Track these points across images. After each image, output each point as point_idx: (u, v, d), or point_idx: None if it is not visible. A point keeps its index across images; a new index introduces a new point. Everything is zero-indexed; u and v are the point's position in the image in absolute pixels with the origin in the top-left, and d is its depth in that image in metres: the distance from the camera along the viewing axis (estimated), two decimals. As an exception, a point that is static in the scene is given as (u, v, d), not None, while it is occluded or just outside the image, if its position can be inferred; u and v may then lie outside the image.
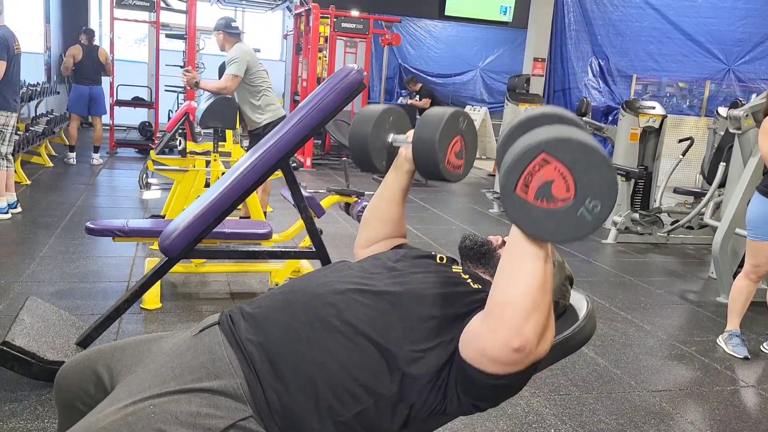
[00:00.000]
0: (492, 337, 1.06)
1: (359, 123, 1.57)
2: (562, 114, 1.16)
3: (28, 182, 6.05)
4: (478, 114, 11.14)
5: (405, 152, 1.53)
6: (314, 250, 2.93)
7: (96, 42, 7.76)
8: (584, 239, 1.04)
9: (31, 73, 8.10)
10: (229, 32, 4.73)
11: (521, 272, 1.03)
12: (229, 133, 6.10)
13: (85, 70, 7.51)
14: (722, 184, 5.14)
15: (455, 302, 1.23)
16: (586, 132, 1.12)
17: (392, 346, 1.16)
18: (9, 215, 4.77)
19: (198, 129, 5.93)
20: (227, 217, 2.68)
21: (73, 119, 7.45)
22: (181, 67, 8.49)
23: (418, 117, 9.67)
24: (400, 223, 1.60)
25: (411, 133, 1.51)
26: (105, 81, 8.02)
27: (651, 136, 6.12)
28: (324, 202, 3.83)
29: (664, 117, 6.11)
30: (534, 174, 0.97)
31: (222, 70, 9.33)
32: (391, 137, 1.60)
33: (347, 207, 3.84)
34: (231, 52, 4.60)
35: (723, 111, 5.72)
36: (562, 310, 1.46)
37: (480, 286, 1.27)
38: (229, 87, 4.51)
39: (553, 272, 1.07)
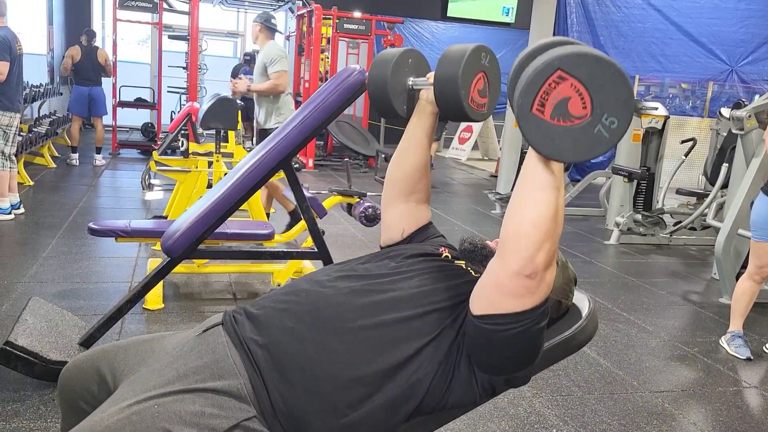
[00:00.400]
0: (506, 267, 1.09)
1: (378, 67, 1.51)
2: (570, 41, 1.14)
3: (31, 183, 6.07)
4: (480, 115, 11.14)
5: (426, 94, 1.50)
6: (316, 250, 2.94)
7: (96, 43, 7.77)
8: (599, 155, 1.02)
9: (34, 74, 8.11)
10: (268, 26, 4.76)
11: (536, 204, 1.05)
12: (231, 133, 6.11)
13: (84, 70, 7.53)
14: (725, 185, 5.13)
15: (458, 289, 1.24)
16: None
17: (396, 346, 1.16)
18: (12, 216, 4.78)
19: (200, 130, 5.95)
20: (230, 218, 2.68)
21: (74, 120, 7.48)
22: (184, 68, 8.52)
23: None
24: (425, 177, 1.55)
25: (431, 75, 1.46)
26: (107, 82, 8.03)
27: (654, 137, 6.12)
28: (326, 203, 3.83)
29: (667, 118, 6.11)
30: (550, 92, 0.96)
31: (235, 72, 9.37)
32: (410, 81, 1.54)
33: (349, 208, 3.84)
34: (271, 51, 4.62)
35: (726, 112, 5.72)
36: (565, 310, 1.46)
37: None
38: (281, 84, 4.51)
39: (563, 200, 1.08)
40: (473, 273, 1.30)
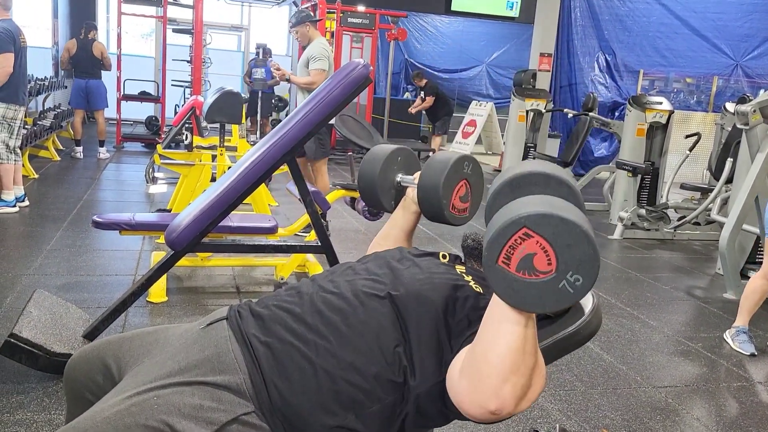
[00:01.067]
0: (469, 396, 1.05)
1: (368, 163, 1.64)
2: (550, 173, 1.17)
3: (36, 176, 6.08)
4: (484, 109, 11.11)
5: (412, 194, 1.60)
6: (319, 244, 2.94)
7: (95, 36, 7.74)
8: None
9: (39, 67, 8.12)
10: (315, 21, 4.77)
11: (500, 335, 1.02)
12: (235, 127, 6.11)
13: (80, 63, 7.53)
14: (729, 180, 5.12)
15: (456, 311, 1.22)
16: (575, 195, 1.14)
17: (395, 352, 1.16)
18: (17, 209, 4.80)
19: (204, 123, 5.95)
20: (233, 211, 2.68)
21: (76, 113, 7.50)
22: (188, 62, 8.52)
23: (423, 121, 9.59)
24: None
25: (418, 174, 1.57)
26: (111, 76, 8.03)
27: (658, 131, 6.10)
28: (329, 197, 3.83)
29: (671, 112, 6.09)
30: (516, 247, 0.97)
31: (248, 68, 9.35)
32: (399, 177, 1.66)
33: (353, 201, 3.83)
34: (316, 48, 4.65)
35: (730, 106, 5.70)
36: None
37: (481, 291, 1.27)
38: (318, 81, 4.56)
39: (535, 336, 1.05)
40: (474, 287, 1.28)
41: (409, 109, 9.55)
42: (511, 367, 1.01)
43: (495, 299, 1.05)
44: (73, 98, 7.55)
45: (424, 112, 9.59)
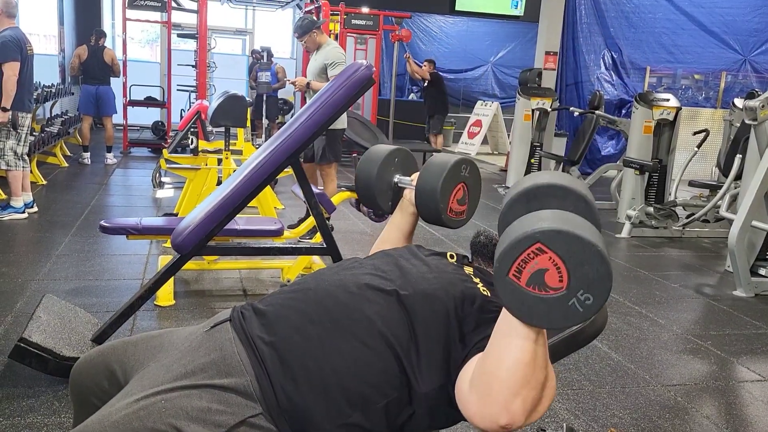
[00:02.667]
0: (479, 410, 1.04)
1: (366, 163, 1.64)
2: (569, 187, 1.15)
3: (44, 182, 6.12)
4: (489, 109, 11.09)
5: (409, 195, 1.60)
6: (325, 246, 2.94)
7: (105, 43, 7.81)
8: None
9: (46, 74, 8.18)
10: (320, 26, 4.74)
11: (510, 349, 1.01)
12: (240, 131, 6.13)
13: (90, 70, 7.59)
14: (738, 177, 5.08)
15: (464, 311, 1.21)
16: (592, 211, 1.12)
17: (402, 349, 1.16)
18: (26, 215, 4.83)
19: (210, 128, 5.97)
20: (239, 214, 2.69)
21: (84, 119, 7.55)
22: (193, 66, 8.55)
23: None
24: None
25: (416, 176, 1.57)
26: (117, 82, 8.08)
27: (665, 128, 6.06)
28: (334, 199, 3.83)
29: (679, 109, 6.05)
30: (528, 261, 0.97)
31: (251, 70, 9.38)
32: (396, 178, 1.66)
33: (358, 203, 3.83)
34: (332, 53, 4.62)
35: (739, 102, 5.67)
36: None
37: (488, 294, 1.26)
38: None
39: (545, 350, 1.05)
40: (482, 290, 1.27)
41: (412, 71, 9.62)
42: (521, 382, 1.00)
43: (504, 314, 1.04)
44: (82, 104, 7.60)
45: (425, 106, 9.59)
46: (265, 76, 9.47)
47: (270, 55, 9.73)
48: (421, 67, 9.67)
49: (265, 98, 9.88)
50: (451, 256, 1.40)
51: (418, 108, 10.27)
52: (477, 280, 1.31)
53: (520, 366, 1.00)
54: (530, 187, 1.17)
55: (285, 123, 3.94)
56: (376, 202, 1.65)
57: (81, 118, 7.63)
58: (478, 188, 1.60)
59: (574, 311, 0.97)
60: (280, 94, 10.49)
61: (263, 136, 9.80)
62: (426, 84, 9.55)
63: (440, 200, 1.48)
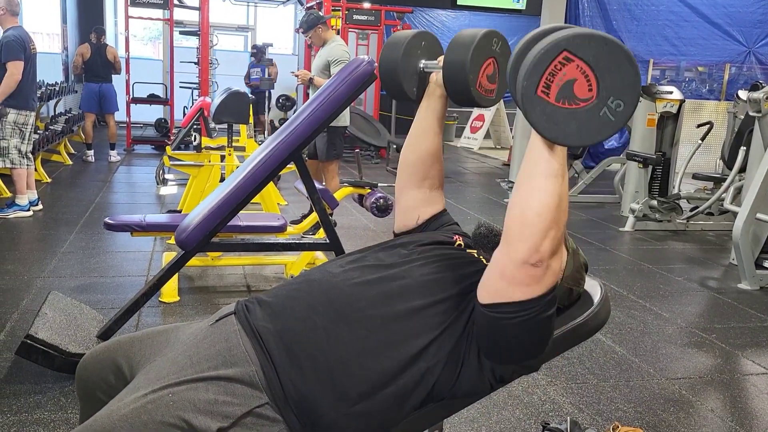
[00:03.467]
0: (512, 257, 1.09)
1: (389, 49, 1.52)
2: (576, 27, 1.13)
3: (49, 180, 6.14)
4: (492, 103, 11.07)
5: (436, 77, 1.50)
6: (328, 242, 2.94)
7: (106, 40, 7.82)
8: (605, 139, 1.01)
9: (49, 73, 8.19)
10: (325, 21, 4.71)
11: (539, 192, 1.05)
12: (243, 127, 6.13)
13: (94, 68, 7.61)
14: (743, 169, 5.06)
15: (469, 279, 1.24)
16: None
17: (407, 335, 1.17)
18: (30, 213, 4.85)
19: (212, 124, 5.98)
20: (243, 211, 2.70)
21: (87, 117, 7.56)
22: (196, 63, 8.56)
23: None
24: (437, 162, 1.54)
25: (443, 58, 1.46)
26: (120, 79, 8.09)
27: (669, 121, 6.04)
28: (337, 194, 3.84)
29: (682, 102, 6.03)
30: (556, 74, 0.94)
31: (253, 66, 9.38)
32: (422, 63, 1.53)
33: (360, 198, 3.84)
34: (336, 50, 4.60)
35: (743, 94, 5.63)
36: (576, 297, 1.45)
37: None
38: None
39: (567, 193, 1.09)
40: (485, 261, 1.30)
41: None
42: (551, 222, 1.06)
43: (530, 152, 1.06)
44: (85, 102, 7.62)
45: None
46: (255, 73, 9.45)
47: (263, 52, 9.69)
48: None
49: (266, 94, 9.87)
50: (458, 243, 1.40)
51: (421, 103, 10.22)
52: (482, 257, 1.32)
53: (550, 208, 1.05)
54: (537, 32, 1.11)
55: (287, 119, 3.94)
56: (402, 88, 1.53)
57: (84, 116, 7.65)
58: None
59: (607, 121, 0.97)
60: (282, 90, 10.48)
61: (264, 132, 9.80)
62: None
63: (469, 72, 1.35)
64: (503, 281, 1.12)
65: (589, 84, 0.95)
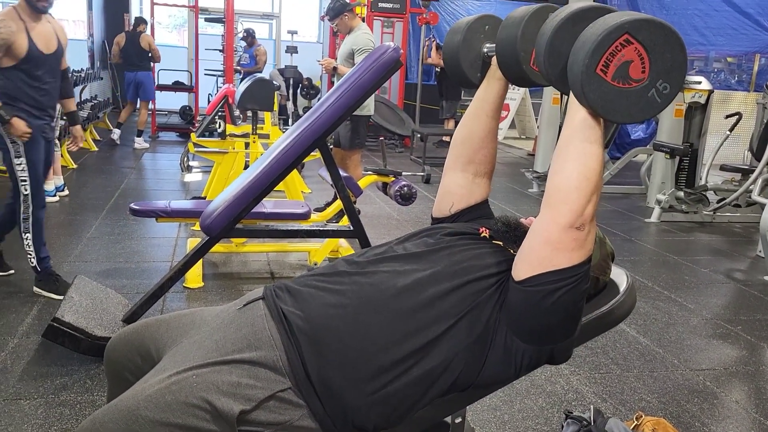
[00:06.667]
0: (557, 221, 1.13)
1: (451, 34, 1.53)
2: (610, 8, 1.17)
3: (75, 166, 6.23)
4: (517, 93, 10.96)
5: (496, 59, 1.46)
6: (352, 229, 2.95)
7: (142, 29, 7.89)
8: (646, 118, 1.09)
9: (75, 59, 8.28)
10: (351, 8, 4.69)
11: (585, 157, 1.11)
12: (267, 115, 6.16)
13: (128, 56, 7.73)
14: (772, 161, 4.96)
15: (496, 267, 1.25)
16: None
17: (433, 323, 1.17)
18: (57, 198, 4.93)
19: (237, 112, 6.01)
20: (267, 198, 2.71)
21: (128, 105, 7.77)
22: (220, 51, 8.59)
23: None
24: (485, 148, 1.50)
25: None
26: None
27: (697, 112, 5.94)
28: (361, 182, 3.84)
29: (711, 92, 5.91)
30: (615, 54, 1.02)
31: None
32: (486, 47, 1.49)
33: (385, 187, 3.84)
34: (360, 38, 4.58)
35: (773, 85, 5.51)
36: (603, 286, 1.43)
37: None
38: None
39: (603, 160, 1.14)
40: (511, 252, 1.29)
41: (424, 57, 9.47)
42: (594, 188, 1.12)
43: (573, 121, 1.12)
44: (126, 91, 7.84)
45: (439, 90, 9.47)
46: (244, 58, 9.42)
47: (253, 36, 9.60)
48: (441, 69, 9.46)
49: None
50: (481, 233, 1.38)
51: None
52: (508, 248, 1.32)
53: (594, 173, 1.12)
54: (576, 11, 1.14)
55: (311, 107, 3.93)
56: (463, 72, 1.49)
57: (118, 103, 7.80)
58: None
59: (653, 102, 1.06)
60: (308, 74, 10.46)
61: (291, 119, 9.79)
62: (440, 70, 9.43)
63: (520, 49, 1.30)
64: (548, 247, 1.14)
65: (643, 66, 1.03)
